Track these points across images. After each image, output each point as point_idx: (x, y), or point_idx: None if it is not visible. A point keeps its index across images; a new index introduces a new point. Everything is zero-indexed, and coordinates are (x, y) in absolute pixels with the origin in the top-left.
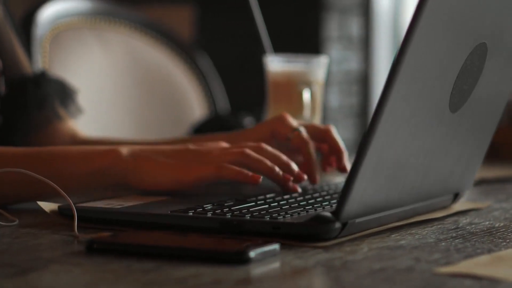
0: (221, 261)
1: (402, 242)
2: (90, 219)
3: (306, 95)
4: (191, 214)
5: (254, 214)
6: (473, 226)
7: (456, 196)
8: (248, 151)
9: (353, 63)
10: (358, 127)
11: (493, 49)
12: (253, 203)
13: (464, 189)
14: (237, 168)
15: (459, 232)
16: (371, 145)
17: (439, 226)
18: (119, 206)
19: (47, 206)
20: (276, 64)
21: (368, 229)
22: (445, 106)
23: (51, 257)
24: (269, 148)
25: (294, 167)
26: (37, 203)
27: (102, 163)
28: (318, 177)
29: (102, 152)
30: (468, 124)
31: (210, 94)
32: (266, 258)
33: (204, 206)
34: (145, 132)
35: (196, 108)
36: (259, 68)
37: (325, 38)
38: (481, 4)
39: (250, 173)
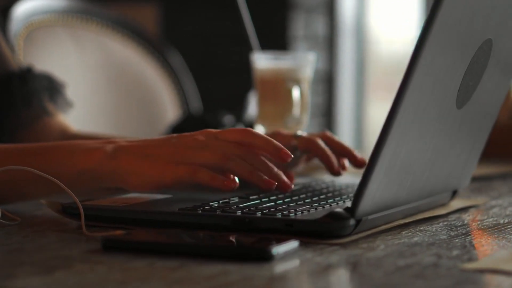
0: (244, 259)
1: (416, 239)
2: (95, 217)
3: (295, 93)
4: (200, 211)
5: (265, 211)
6: (478, 223)
7: (454, 193)
8: (230, 154)
9: (318, 63)
10: (323, 126)
11: (497, 44)
12: (258, 201)
13: (462, 186)
14: (212, 174)
15: (467, 229)
16: (385, 145)
17: (445, 223)
18: (124, 204)
19: (51, 205)
20: (263, 62)
21: (377, 226)
22: (452, 103)
23: (69, 255)
24: (250, 150)
25: (276, 171)
26: (40, 201)
27: (86, 163)
28: (346, 163)
29: (87, 150)
30: (471, 120)
31: (183, 92)
32: (287, 256)
33: (210, 203)
34: (119, 130)
35: (168, 105)
36: (224, 66)
37: (291, 37)
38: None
39: (225, 180)
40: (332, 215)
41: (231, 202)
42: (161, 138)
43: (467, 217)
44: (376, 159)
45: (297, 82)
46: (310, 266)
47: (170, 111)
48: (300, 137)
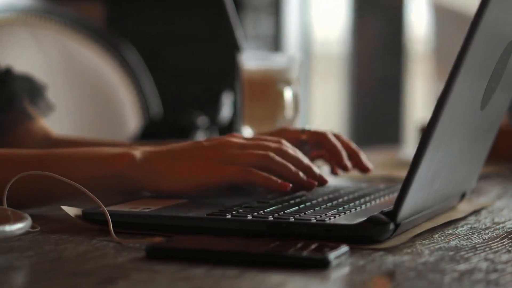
0: (302, 266)
1: (453, 243)
2: (120, 223)
3: (288, 94)
4: (231, 216)
5: (299, 216)
6: (500, 225)
7: (463, 196)
8: (272, 154)
9: None
10: None
11: None
12: (280, 205)
13: (470, 188)
14: (265, 174)
15: (495, 232)
16: (428, 149)
17: (469, 226)
18: (148, 210)
19: (71, 210)
20: (252, 62)
21: (405, 231)
22: (478, 104)
23: (117, 264)
24: (289, 149)
25: (316, 170)
26: (61, 207)
27: (116, 167)
28: (349, 164)
29: (116, 155)
30: (486, 122)
31: (142, 92)
32: (340, 262)
33: (235, 208)
34: (80, 130)
35: (128, 105)
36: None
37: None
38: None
39: (279, 181)
40: (373, 220)
41: (253, 206)
42: (190, 143)
43: (484, 219)
44: (418, 163)
45: (288, 82)
46: (369, 273)
47: (129, 111)
48: (308, 131)
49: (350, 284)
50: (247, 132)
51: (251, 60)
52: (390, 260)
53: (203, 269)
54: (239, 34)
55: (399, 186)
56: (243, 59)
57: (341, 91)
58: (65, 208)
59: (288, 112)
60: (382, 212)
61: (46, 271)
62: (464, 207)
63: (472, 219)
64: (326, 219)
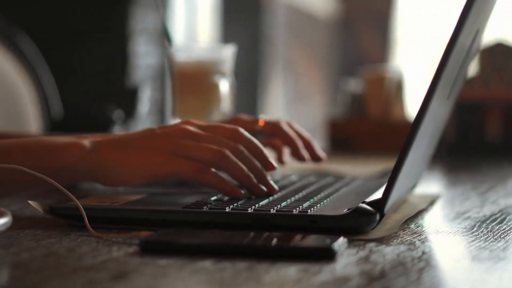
0: (308, 257)
1: (441, 233)
2: (91, 218)
3: (223, 86)
4: (214, 209)
5: (281, 208)
6: (468, 214)
7: (413, 187)
8: (228, 152)
9: (152, 58)
10: (160, 123)
11: (478, 34)
12: (246, 197)
13: (419, 181)
14: (220, 177)
15: (474, 220)
16: (415, 141)
17: (440, 216)
18: (118, 204)
19: (37, 205)
20: (183, 54)
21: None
22: (446, 94)
23: (116, 258)
24: (246, 152)
25: (267, 177)
26: (28, 202)
27: (67, 159)
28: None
29: (64, 146)
30: (446, 111)
31: (41, 87)
32: (341, 253)
33: (210, 201)
34: None
35: (26, 99)
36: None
37: (130, 32)
38: None
39: (232, 186)
40: (360, 211)
41: (226, 200)
42: (142, 130)
43: (446, 209)
44: (406, 155)
45: (223, 75)
46: (377, 263)
47: (29, 105)
48: (263, 120)
49: (368, 275)
50: None
51: (183, 52)
52: (389, 250)
53: (210, 261)
54: (168, 26)
55: (331, 179)
56: (173, 51)
57: None
58: (32, 203)
59: (225, 105)
60: (365, 203)
61: (49, 268)
62: (419, 200)
63: (435, 209)
64: (308, 210)
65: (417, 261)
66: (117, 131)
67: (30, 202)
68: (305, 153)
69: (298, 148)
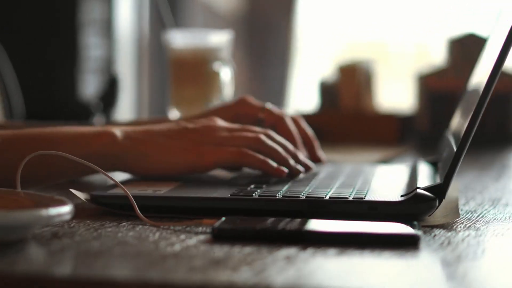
0: (392, 245)
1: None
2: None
3: (225, 74)
4: (264, 197)
5: (332, 195)
6: (503, 201)
7: None
8: (264, 137)
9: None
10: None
11: None
12: (287, 185)
13: None
14: (262, 157)
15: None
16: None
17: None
18: (163, 192)
19: (80, 194)
20: (181, 40)
21: None
22: None
23: (191, 245)
24: (277, 136)
25: (302, 157)
26: (70, 190)
27: (98, 146)
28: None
29: (96, 134)
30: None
31: (2, 81)
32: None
33: (252, 188)
34: None
35: None
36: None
37: (80, 23)
38: None
39: (275, 165)
40: (419, 197)
41: (263, 187)
42: (170, 124)
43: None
44: (468, 139)
45: (223, 61)
46: (459, 250)
47: None
48: (268, 110)
49: (454, 259)
50: (174, 114)
51: (181, 38)
52: (460, 236)
53: (294, 249)
54: (165, 11)
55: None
56: (170, 36)
57: None
58: (74, 191)
59: (227, 93)
60: (423, 188)
61: (134, 256)
62: None
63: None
64: (362, 197)
65: (491, 245)
66: (98, 121)
67: (72, 190)
68: (303, 151)
69: (296, 145)
